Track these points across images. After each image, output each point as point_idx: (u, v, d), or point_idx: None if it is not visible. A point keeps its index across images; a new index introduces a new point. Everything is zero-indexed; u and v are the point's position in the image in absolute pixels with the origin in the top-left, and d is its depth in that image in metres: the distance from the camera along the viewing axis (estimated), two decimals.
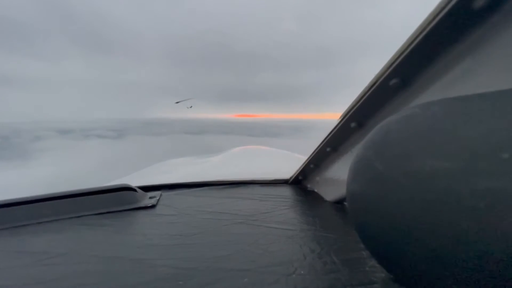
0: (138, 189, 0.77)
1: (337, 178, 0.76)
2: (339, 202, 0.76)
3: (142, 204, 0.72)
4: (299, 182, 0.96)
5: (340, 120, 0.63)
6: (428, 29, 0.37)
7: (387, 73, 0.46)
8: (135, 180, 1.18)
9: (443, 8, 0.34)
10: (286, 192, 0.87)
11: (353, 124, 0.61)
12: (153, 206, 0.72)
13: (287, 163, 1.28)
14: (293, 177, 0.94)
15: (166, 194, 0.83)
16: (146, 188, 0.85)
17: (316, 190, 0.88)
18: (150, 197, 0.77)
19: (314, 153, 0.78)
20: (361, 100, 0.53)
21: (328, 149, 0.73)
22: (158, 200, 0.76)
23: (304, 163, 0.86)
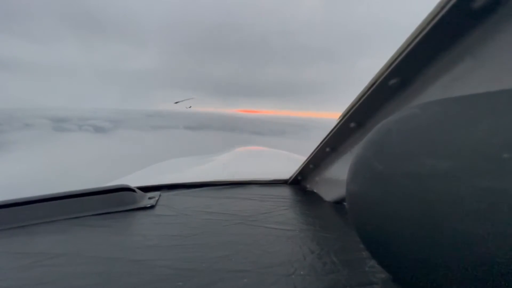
0: (137, 190, 0.76)
1: (337, 178, 0.76)
2: (338, 202, 0.76)
3: (141, 204, 0.72)
4: (299, 183, 0.96)
5: (339, 120, 0.62)
6: (427, 29, 0.36)
7: (386, 73, 0.46)
8: (135, 180, 1.18)
9: (442, 8, 0.34)
10: (286, 192, 0.87)
11: (352, 124, 0.61)
12: (152, 207, 0.72)
13: (289, 164, 1.28)
14: (293, 177, 0.94)
15: (165, 194, 0.83)
16: (145, 189, 0.84)
17: (315, 190, 0.88)
18: (149, 198, 0.77)
19: (314, 153, 0.78)
20: (361, 100, 0.53)
21: (327, 149, 0.73)
22: (157, 200, 0.76)
23: (304, 163, 0.85)
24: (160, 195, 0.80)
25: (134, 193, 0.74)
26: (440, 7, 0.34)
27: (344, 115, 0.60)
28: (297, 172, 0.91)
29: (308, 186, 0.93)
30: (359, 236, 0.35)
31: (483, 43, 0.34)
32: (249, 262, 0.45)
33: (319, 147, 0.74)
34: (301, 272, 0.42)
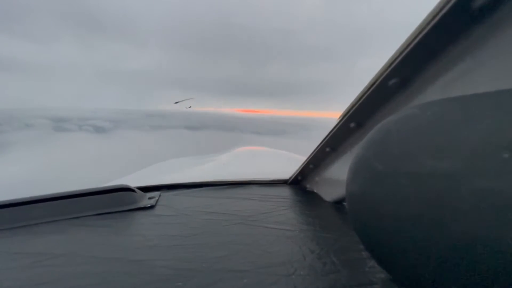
0: (137, 190, 0.76)
1: (337, 178, 0.76)
2: (338, 202, 0.76)
3: (141, 204, 0.72)
4: (298, 183, 0.96)
5: (339, 120, 0.62)
6: (427, 28, 0.36)
7: (386, 73, 0.46)
8: (135, 180, 1.18)
9: (442, 7, 0.34)
10: (285, 192, 0.87)
11: (352, 124, 0.61)
12: (152, 207, 0.72)
13: (289, 164, 1.28)
14: (292, 177, 0.94)
15: (165, 194, 0.83)
16: (145, 189, 0.84)
17: (315, 191, 0.88)
18: (149, 198, 0.77)
19: (314, 153, 0.78)
20: (360, 100, 0.53)
21: (327, 149, 0.73)
22: (157, 200, 0.76)
23: (304, 163, 0.85)
24: (160, 195, 0.80)
25: (134, 193, 0.74)
26: (440, 7, 0.34)
27: (344, 115, 0.60)
28: (297, 172, 0.91)
29: (308, 186, 0.93)
30: (359, 236, 0.35)
31: (483, 43, 0.34)
32: (248, 262, 0.45)
33: (319, 147, 0.74)
34: (301, 272, 0.42)
